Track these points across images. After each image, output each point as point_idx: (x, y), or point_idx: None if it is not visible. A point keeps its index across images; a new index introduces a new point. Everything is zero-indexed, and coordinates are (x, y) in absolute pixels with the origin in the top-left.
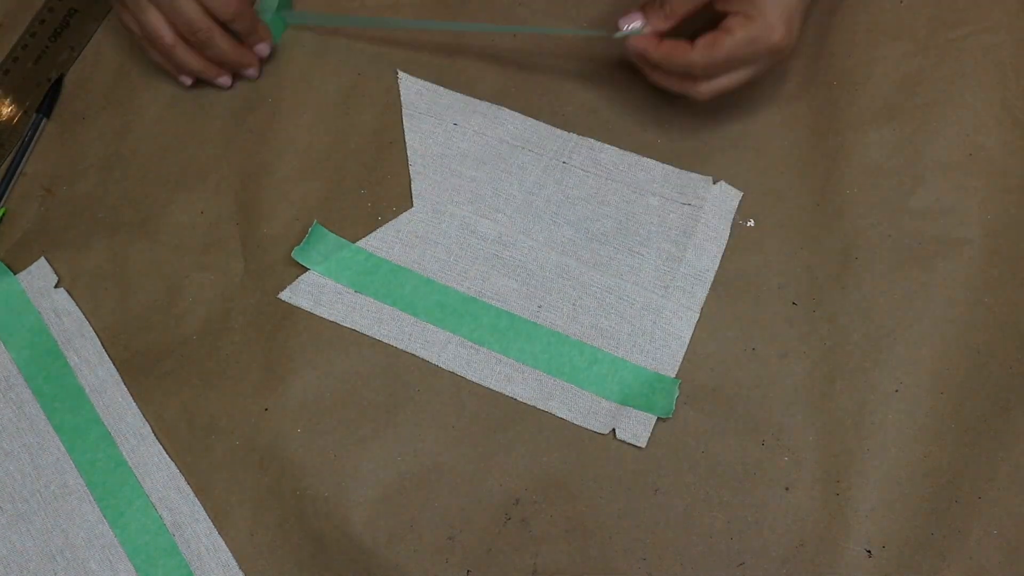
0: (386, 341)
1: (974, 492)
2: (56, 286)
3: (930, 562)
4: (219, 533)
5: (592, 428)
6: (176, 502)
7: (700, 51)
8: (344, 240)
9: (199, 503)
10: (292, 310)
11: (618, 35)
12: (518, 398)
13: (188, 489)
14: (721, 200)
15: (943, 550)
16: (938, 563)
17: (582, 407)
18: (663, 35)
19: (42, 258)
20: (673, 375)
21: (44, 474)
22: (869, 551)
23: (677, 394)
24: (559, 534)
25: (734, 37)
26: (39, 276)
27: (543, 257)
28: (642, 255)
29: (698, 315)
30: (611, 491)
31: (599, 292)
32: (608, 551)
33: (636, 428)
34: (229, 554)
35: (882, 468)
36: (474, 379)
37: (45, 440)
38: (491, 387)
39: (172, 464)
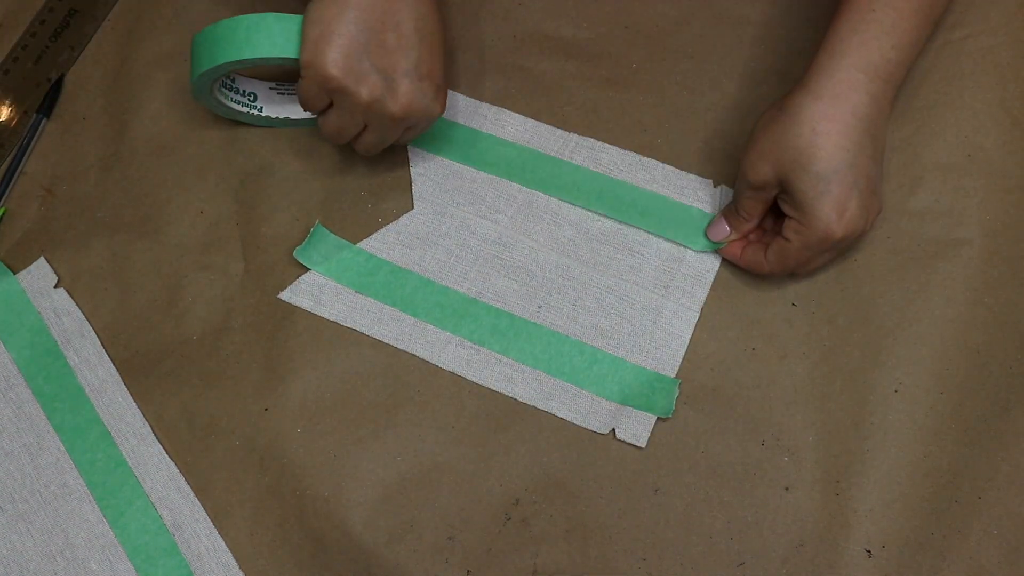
0: (386, 341)
1: (974, 492)
2: (56, 286)
3: (930, 562)
4: (219, 533)
5: (592, 428)
6: (176, 502)
7: (772, 262)
8: (345, 241)
9: (199, 503)
10: (292, 310)
11: (708, 248)
12: (518, 398)
13: (188, 489)
14: (722, 204)
15: (943, 550)
16: (938, 563)
17: (582, 407)
18: (749, 232)
19: (41, 258)
20: (673, 375)
21: (44, 474)
22: (869, 551)
23: (677, 394)
24: (559, 534)
25: (794, 245)
26: (39, 276)
27: (543, 257)
28: (642, 255)
29: (698, 315)
30: (611, 491)
31: (599, 292)
32: (608, 551)
33: (636, 428)
34: (229, 554)
35: (882, 468)
36: (474, 379)
37: (45, 440)
38: (491, 387)
39: (172, 464)
